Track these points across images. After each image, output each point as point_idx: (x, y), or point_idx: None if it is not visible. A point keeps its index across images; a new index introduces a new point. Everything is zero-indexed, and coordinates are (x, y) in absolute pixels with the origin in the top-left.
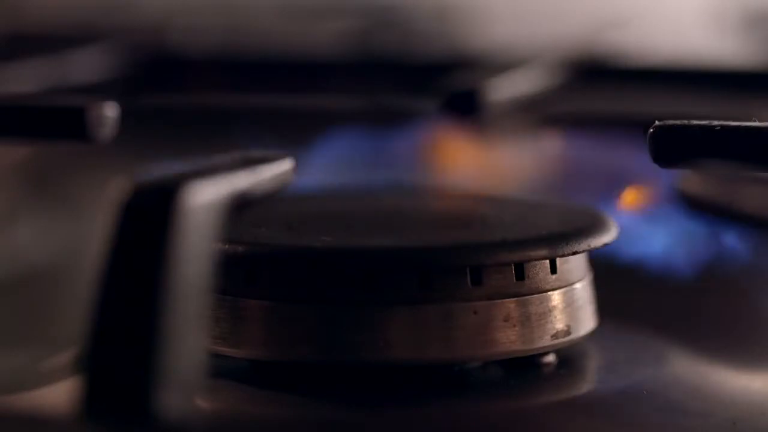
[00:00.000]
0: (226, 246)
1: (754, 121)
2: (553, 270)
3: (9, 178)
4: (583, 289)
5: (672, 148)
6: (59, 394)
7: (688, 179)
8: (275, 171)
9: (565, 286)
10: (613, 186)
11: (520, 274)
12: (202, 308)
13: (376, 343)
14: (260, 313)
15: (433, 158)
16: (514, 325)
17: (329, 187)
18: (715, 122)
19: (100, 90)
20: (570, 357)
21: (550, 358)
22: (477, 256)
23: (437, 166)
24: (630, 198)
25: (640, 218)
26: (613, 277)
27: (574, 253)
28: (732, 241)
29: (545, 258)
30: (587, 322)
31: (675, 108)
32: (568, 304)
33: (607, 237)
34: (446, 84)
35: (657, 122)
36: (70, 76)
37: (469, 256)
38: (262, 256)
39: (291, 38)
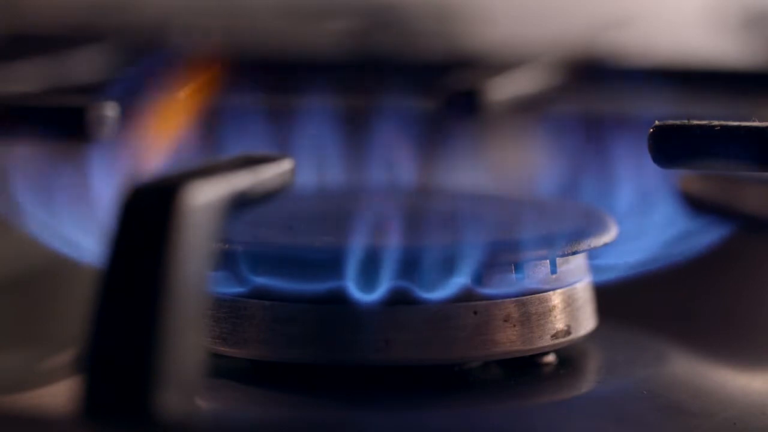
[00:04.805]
0: (226, 246)
1: (754, 121)
2: (553, 270)
3: (9, 178)
4: (583, 289)
5: (672, 148)
6: (59, 394)
7: (688, 179)
8: (275, 171)
9: (565, 286)
10: (613, 186)
11: (520, 274)
12: (202, 308)
13: (376, 343)
14: (260, 313)
15: (433, 158)
16: (514, 325)
17: (328, 187)
18: (715, 122)
19: (100, 90)
20: (570, 357)
21: (550, 358)
22: (477, 256)
23: (437, 166)
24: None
25: (639, 218)
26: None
27: (574, 253)
28: (731, 241)
29: (545, 258)
30: (587, 322)
31: (675, 108)
32: (568, 304)
33: (607, 237)
34: (446, 84)
35: (657, 122)
36: (70, 76)
37: (469, 256)
38: (262, 256)
39: (291, 38)
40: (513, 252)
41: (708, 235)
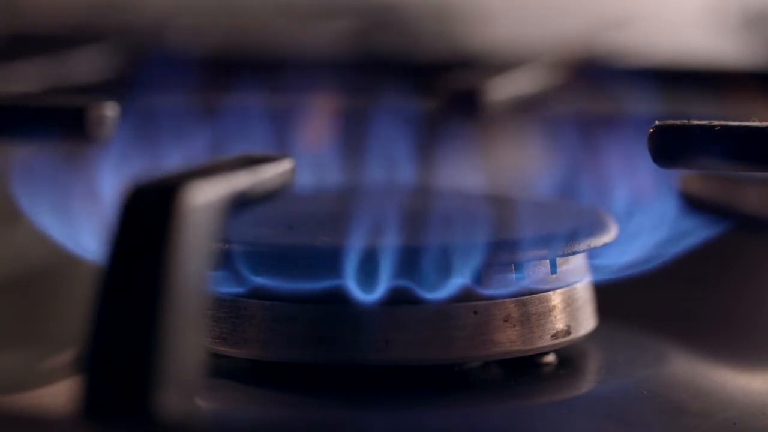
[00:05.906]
0: (226, 246)
1: (754, 121)
2: (553, 270)
3: (9, 178)
4: (583, 289)
5: (672, 148)
6: (59, 394)
7: (688, 179)
8: (275, 171)
9: (565, 286)
10: (612, 185)
11: (520, 274)
12: (202, 308)
13: (376, 343)
14: (260, 313)
15: (432, 158)
16: (514, 325)
17: (328, 187)
18: (715, 122)
19: (100, 90)
20: (570, 357)
21: (550, 358)
22: (477, 256)
23: (437, 166)
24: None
25: (639, 218)
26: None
27: (574, 253)
28: (731, 241)
29: (545, 258)
30: (587, 322)
31: (675, 108)
32: (568, 304)
33: (607, 237)
34: (446, 84)
35: (657, 122)
36: (70, 76)
37: (469, 255)
38: (262, 256)
39: (291, 38)
40: (513, 252)
41: (707, 235)
